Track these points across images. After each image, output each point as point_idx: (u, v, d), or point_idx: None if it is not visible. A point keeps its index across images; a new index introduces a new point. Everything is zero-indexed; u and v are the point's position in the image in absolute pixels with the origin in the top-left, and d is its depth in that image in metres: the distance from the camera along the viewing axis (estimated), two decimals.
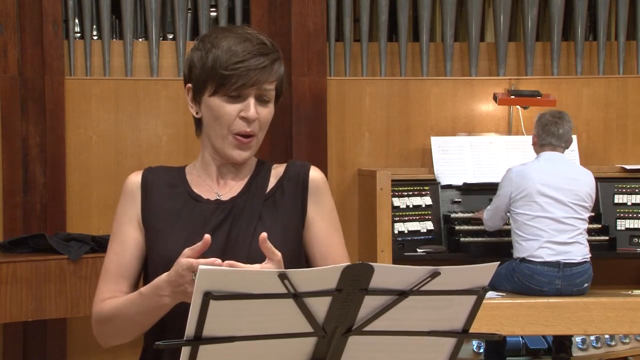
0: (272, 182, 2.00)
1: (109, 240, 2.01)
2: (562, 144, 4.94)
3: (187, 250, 1.70)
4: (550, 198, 4.78)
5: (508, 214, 4.95)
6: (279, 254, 1.68)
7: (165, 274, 1.75)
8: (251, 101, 1.90)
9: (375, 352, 1.52)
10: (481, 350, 5.23)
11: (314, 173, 2.01)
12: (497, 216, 5.00)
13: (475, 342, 5.26)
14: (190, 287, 1.66)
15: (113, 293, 1.93)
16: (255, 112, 1.90)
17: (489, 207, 5.07)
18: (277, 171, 2.02)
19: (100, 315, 1.92)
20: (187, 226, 1.93)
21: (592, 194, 4.89)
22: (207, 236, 1.70)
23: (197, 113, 1.97)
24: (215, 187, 1.99)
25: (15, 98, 5.37)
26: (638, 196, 5.52)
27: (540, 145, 4.97)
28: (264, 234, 1.68)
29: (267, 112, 1.94)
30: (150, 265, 1.95)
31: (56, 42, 5.46)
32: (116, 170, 5.60)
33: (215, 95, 1.91)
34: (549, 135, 4.92)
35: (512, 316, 4.41)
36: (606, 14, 6.04)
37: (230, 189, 1.99)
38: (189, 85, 1.97)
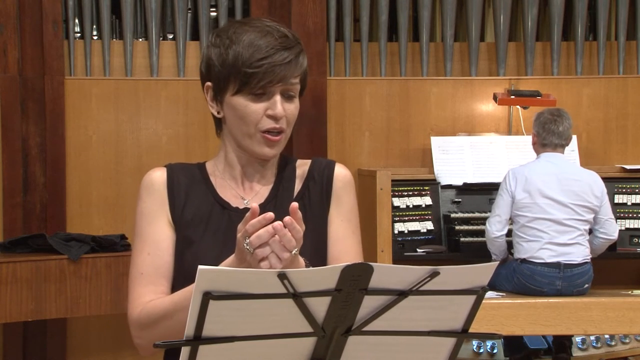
0: (298, 185, 1.94)
1: (136, 241, 1.88)
2: (562, 142, 4.90)
3: (240, 226, 1.62)
4: (551, 199, 4.76)
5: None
6: (303, 228, 1.61)
7: (230, 257, 1.67)
8: (277, 98, 1.82)
9: (375, 352, 1.52)
10: (481, 350, 5.23)
11: (338, 171, 1.95)
12: (503, 222, 4.86)
13: (475, 342, 5.26)
14: (249, 257, 1.60)
15: (155, 294, 1.82)
16: (282, 108, 1.83)
17: (493, 220, 4.88)
18: (302, 170, 1.95)
19: (148, 318, 1.79)
20: (216, 236, 1.85)
21: (597, 192, 4.81)
22: (255, 206, 1.60)
23: (218, 112, 1.89)
24: (240, 192, 1.91)
25: (15, 98, 5.37)
26: (638, 196, 5.52)
27: (541, 145, 4.93)
28: (295, 204, 1.60)
29: (293, 107, 1.86)
30: (174, 272, 1.87)
31: (56, 42, 5.46)
32: (116, 170, 5.60)
33: (238, 94, 1.83)
34: (549, 134, 4.88)
35: (512, 316, 4.41)
36: (606, 14, 6.04)
37: (256, 193, 1.91)
38: (208, 83, 1.89)
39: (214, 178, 1.93)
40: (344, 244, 1.92)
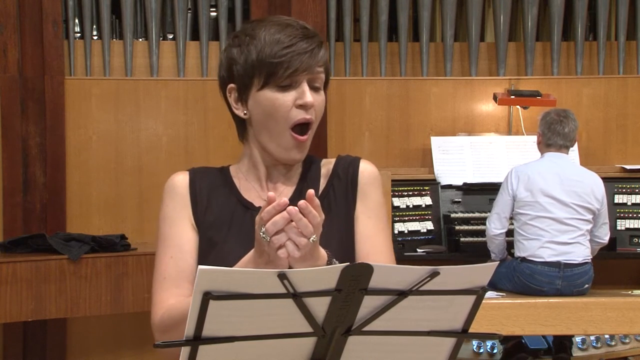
0: (323, 183, 1.90)
1: (159, 244, 1.87)
2: (567, 143, 4.91)
3: (257, 217, 1.61)
4: (553, 199, 4.76)
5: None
6: (322, 216, 1.59)
7: (250, 252, 1.66)
8: (305, 86, 1.79)
9: (375, 352, 1.52)
10: (481, 350, 5.23)
11: (363, 167, 1.90)
12: (503, 221, 4.88)
13: (475, 342, 5.26)
14: (267, 247, 1.59)
15: (177, 297, 1.80)
16: (311, 97, 1.79)
17: (492, 218, 4.90)
18: (327, 169, 1.92)
19: (169, 320, 1.77)
20: (239, 237, 1.83)
21: (598, 195, 4.81)
22: (271, 194, 1.58)
23: (244, 113, 1.85)
24: (263, 193, 1.87)
25: (15, 98, 5.37)
26: (638, 196, 5.52)
27: (545, 145, 4.92)
28: (311, 191, 1.58)
29: (320, 99, 1.83)
30: None
31: (56, 42, 5.46)
32: (116, 170, 5.60)
33: (265, 88, 1.79)
34: (554, 135, 4.88)
35: (512, 316, 4.41)
36: (606, 14, 6.04)
37: (279, 193, 1.86)
38: (232, 85, 1.85)
39: (237, 180, 1.92)
40: (372, 241, 1.87)
